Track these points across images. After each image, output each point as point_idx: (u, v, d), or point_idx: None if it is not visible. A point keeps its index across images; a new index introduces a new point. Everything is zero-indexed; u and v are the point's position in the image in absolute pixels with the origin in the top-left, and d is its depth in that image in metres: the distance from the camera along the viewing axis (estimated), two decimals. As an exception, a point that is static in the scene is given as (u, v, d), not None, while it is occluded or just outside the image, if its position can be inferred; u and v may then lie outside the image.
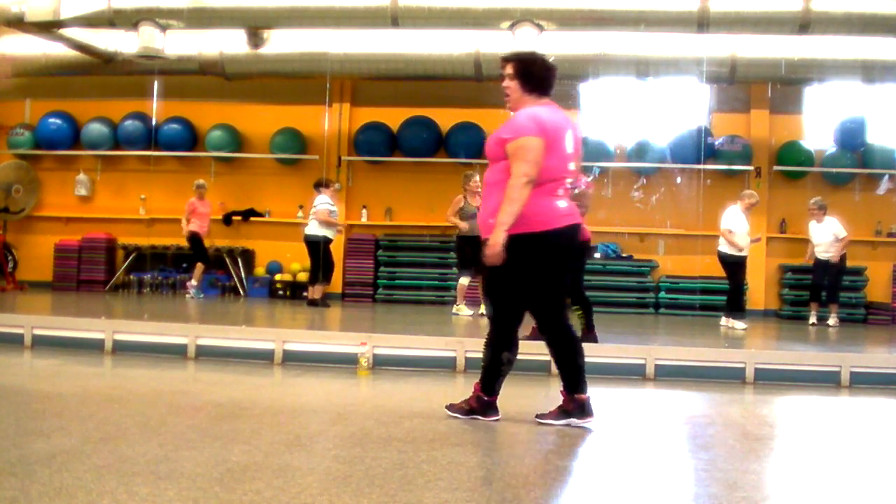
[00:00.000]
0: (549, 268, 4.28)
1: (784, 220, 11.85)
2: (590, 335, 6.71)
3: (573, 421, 4.37)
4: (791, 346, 7.68)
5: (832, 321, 10.25)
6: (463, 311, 9.81)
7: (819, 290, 10.49)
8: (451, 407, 4.53)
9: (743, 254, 9.57)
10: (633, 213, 12.11)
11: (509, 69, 4.37)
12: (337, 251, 11.88)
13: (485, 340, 4.47)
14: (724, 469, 3.58)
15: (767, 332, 9.67)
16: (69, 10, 9.41)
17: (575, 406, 4.39)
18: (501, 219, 4.10)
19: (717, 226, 9.94)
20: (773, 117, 11.92)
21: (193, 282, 11.39)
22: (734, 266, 9.60)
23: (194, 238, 11.34)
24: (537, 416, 4.50)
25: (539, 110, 4.31)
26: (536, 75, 4.37)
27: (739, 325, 9.31)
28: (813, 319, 10.43)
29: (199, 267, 11.51)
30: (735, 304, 9.67)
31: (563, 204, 4.32)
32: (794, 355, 6.74)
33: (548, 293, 4.33)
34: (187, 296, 11.32)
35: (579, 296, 6.79)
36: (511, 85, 4.36)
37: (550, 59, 4.58)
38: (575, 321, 6.69)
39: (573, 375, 4.38)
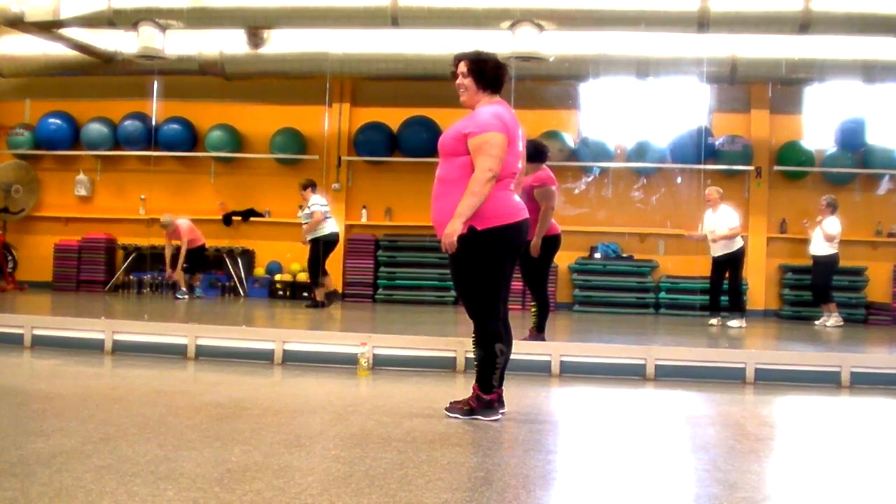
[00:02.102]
0: (504, 260, 4.40)
1: (784, 221, 11.84)
2: (539, 335, 6.70)
3: (479, 418, 4.40)
4: (791, 347, 7.68)
5: (828, 322, 10.11)
6: None
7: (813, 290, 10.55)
8: (450, 407, 4.53)
9: (713, 253, 9.84)
10: (633, 214, 12.10)
11: (463, 67, 4.44)
12: (337, 251, 11.88)
13: (472, 339, 4.49)
14: (724, 469, 3.57)
15: (767, 332, 9.66)
16: (69, 10, 9.42)
17: (480, 405, 4.43)
18: (462, 210, 4.19)
19: (710, 236, 9.93)
20: (774, 117, 11.92)
21: (184, 288, 11.40)
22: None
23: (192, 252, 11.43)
24: (447, 409, 4.52)
25: (499, 108, 4.39)
26: (489, 74, 4.43)
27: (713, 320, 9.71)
28: (824, 321, 10.24)
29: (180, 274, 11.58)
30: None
31: (517, 198, 4.50)
32: (795, 355, 6.73)
33: (497, 285, 4.40)
34: (185, 297, 11.28)
35: (543, 293, 6.77)
36: (465, 82, 4.43)
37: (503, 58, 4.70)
38: (529, 318, 6.76)
39: (486, 374, 4.43)
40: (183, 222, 11.44)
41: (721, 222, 9.63)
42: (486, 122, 4.27)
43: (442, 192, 4.40)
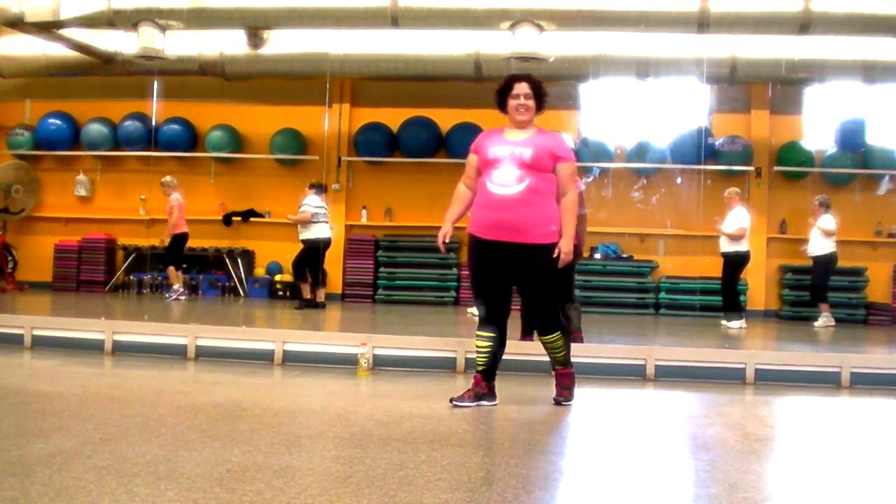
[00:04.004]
0: None
1: (784, 221, 11.84)
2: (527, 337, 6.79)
3: (483, 403, 4.87)
4: (791, 347, 7.68)
5: (817, 322, 10.10)
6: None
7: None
8: (560, 397, 5.02)
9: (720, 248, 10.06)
10: (633, 214, 12.10)
11: (528, 88, 4.86)
12: (337, 251, 11.88)
13: (555, 330, 4.90)
14: (724, 470, 3.57)
15: (767, 332, 9.66)
16: (69, 10, 9.41)
17: (489, 390, 4.94)
18: (571, 231, 4.79)
19: (716, 226, 9.96)
20: (774, 118, 11.91)
21: (177, 285, 11.29)
22: None
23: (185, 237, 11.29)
24: (454, 400, 4.88)
25: None
26: (544, 98, 4.94)
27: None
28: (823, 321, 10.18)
29: (174, 270, 11.32)
30: None
31: None
32: (795, 356, 6.74)
33: None
34: (173, 297, 11.15)
35: None
36: (530, 104, 4.86)
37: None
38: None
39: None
40: (178, 197, 11.10)
41: (729, 221, 9.70)
42: (570, 149, 4.97)
43: (534, 201, 4.73)
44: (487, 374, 4.91)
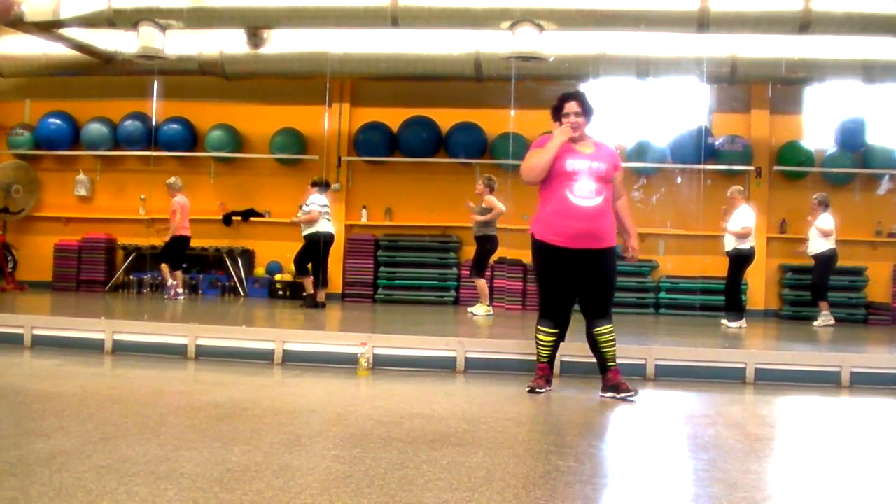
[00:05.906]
0: None
1: (784, 221, 11.85)
2: None
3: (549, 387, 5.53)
4: (791, 346, 7.67)
5: (817, 321, 10.12)
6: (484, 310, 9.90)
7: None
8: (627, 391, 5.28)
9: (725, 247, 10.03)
10: (633, 214, 12.04)
11: (578, 107, 5.23)
12: (337, 251, 11.88)
13: (606, 331, 5.29)
14: (724, 469, 3.57)
15: (767, 332, 9.66)
16: (69, 10, 9.42)
17: (552, 373, 5.59)
18: (636, 230, 5.56)
19: (717, 226, 9.97)
20: (774, 117, 11.92)
21: (172, 281, 11.24)
22: None
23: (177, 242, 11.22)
24: (532, 390, 5.38)
25: None
26: (593, 112, 5.32)
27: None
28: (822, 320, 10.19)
29: (167, 268, 11.32)
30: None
31: None
32: (795, 355, 6.73)
33: None
34: (169, 295, 11.15)
35: None
36: (580, 121, 5.25)
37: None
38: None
39: (555, 354, 5.56)
40: (180, 200, 11.09)
41: (735, 220, 9.70)
42: (619, 158, 5.44)
43: (608, 209, 5.27)
44: (551, 362, 5.49)
